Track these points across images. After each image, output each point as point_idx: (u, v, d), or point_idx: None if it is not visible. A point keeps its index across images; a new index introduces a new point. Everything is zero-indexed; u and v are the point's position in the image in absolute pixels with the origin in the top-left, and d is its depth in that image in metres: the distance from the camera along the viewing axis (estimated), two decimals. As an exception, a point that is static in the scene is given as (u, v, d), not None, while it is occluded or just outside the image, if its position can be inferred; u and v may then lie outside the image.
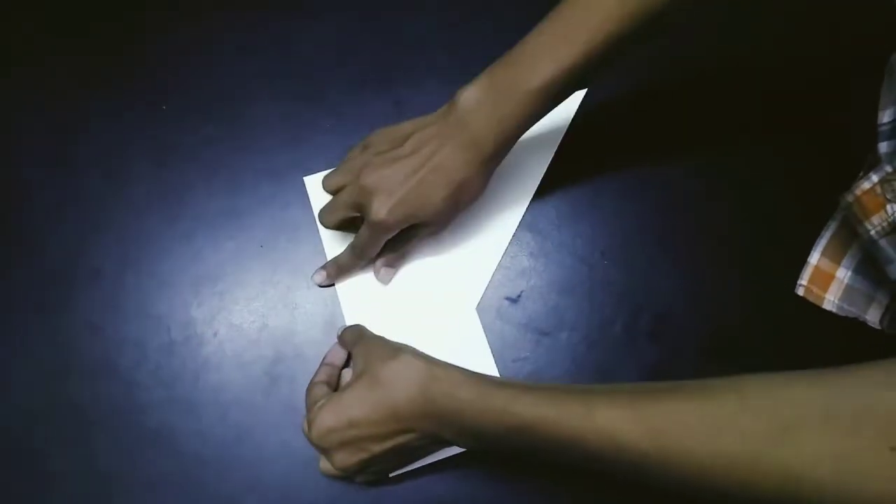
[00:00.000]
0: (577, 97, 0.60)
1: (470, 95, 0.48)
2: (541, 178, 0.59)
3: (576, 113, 0.60)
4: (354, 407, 0.44)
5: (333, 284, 0.57)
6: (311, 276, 0.57)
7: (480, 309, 0.56)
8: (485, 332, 0.55)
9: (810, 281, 0.54)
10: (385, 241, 0.52)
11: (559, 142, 0.59)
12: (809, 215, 0.56)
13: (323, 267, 0.56)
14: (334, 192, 0.54)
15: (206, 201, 0.59)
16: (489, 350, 0.54)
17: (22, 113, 0.63)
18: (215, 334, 0.56)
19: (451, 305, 0.56)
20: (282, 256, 0.58)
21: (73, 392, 0.55)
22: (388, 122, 0.55)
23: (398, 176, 0.49)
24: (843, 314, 0.53)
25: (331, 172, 0.55)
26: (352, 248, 0.54)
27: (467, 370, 0.45)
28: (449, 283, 0.56)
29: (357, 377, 0.46)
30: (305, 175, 0.59)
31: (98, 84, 0.63)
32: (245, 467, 0.53)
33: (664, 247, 0.57)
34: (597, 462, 0.39)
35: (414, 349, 0.47)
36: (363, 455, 0.45)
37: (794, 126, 0.60)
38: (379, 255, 0.55)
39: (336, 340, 0.55)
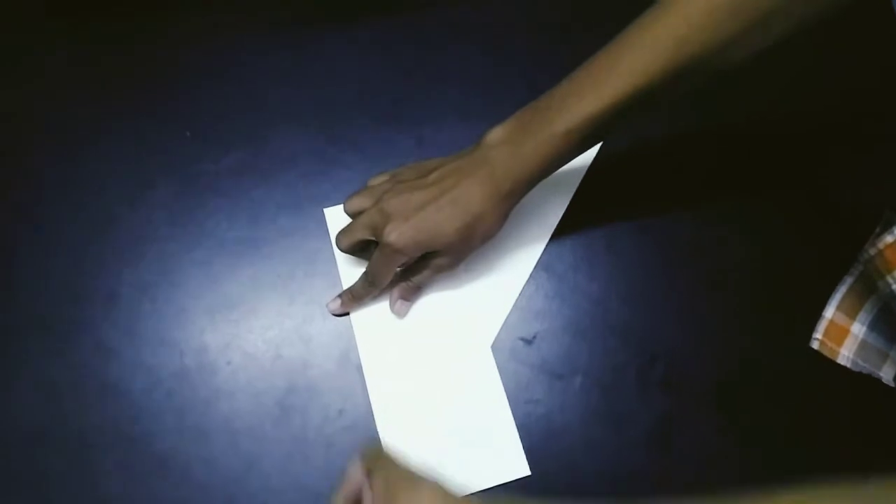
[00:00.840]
0: None
1: (495, 135, 0.50)
2: (559, 220, 0.59)
3: (595, 157, 0.61)
4: None
5: (348, 314, 0.57)
6: (327, 305, 0.57)
7: (495, 348, 0.56)
8: (499, 371, 0.55)
9: (825, 335, 0.54)
10: (396, 267, 0.53)
11: (577, 185, 0.60)
12: (826, 269, 0.56)
13: (339, 295, 0.57)
14: (354, 216, 0.55)
15: (226, 230, 0.60)
16: (503, 390, 0.54)
17: (42, 135, 0.63)
18: (228, 362, 0.56)
19: (465, 343, 0.56)
20: (298, 288, 0.58)
21: (82, 415, 0.54)
22: (409, 159, 0.56)
23: (416, 202, 0.50)
24: (858, 370, 0.53)
25: (353, 195, 0.56)
26: (365, 275, 0.55)
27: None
28: (465, 321, 0.57)
29: None
30: (326, 207, 0.60)
31: (121, 109, 0.64)
32: (252, 498, 0.52)
33: (680, 294, 0.57)
34: None
35: (437, 483, 0.44)
36: None
37: (808, 180, 0.61)
38: (393, 284, 0.55)
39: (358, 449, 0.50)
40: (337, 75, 0.65)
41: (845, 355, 0.53)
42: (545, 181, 0.51)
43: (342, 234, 0.55)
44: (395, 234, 0.50)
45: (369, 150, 0.62)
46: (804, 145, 0.62)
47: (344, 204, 0.56)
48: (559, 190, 0.60)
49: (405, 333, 0.56)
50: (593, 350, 0.56)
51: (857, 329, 0.54)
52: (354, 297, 0.56)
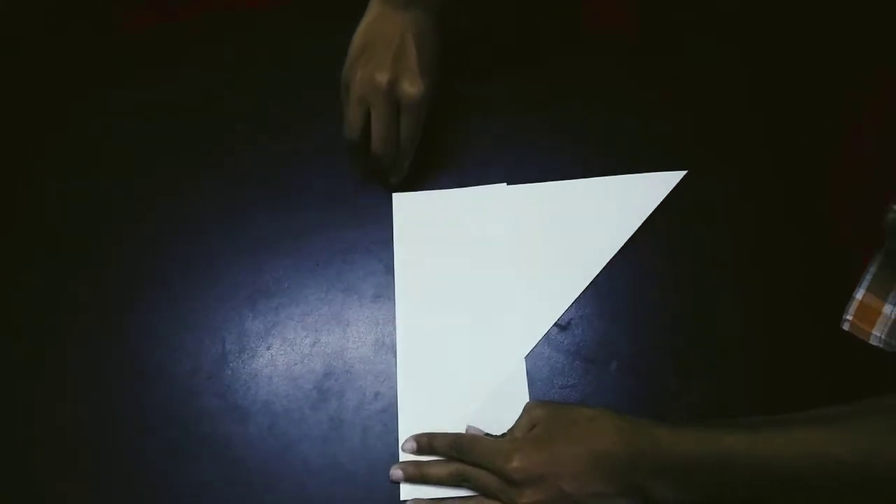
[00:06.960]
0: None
1: None
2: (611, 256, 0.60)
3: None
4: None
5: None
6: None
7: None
8: (533, 357, 0.56)
9: (856, 316, 0.54)
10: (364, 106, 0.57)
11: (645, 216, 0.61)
12: (861, 247, 0.57)
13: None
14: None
15: (268, 220, 0.62)
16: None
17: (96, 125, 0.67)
18: (268, 347, 0.57)
19: (500, 349, 0.57)
20: (336, 275, 0.60)
21: (128, 395, 0.56)
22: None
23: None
24: (891, 350, 0.53)
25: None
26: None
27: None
28: (501, 331, 0.57)
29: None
30: (394, 193, 0.63)
31: (174, 108, 0.69)
32: (290, 477, 0.53)
33: (717, 281, 0.58)
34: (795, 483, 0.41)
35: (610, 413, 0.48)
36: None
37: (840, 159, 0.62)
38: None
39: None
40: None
41: (877, 336, 0.54)
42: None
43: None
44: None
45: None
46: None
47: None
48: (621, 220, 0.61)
49: (444, 325, 0.58)
50: (628, 336, 0.57)
51: (889, 310, 0.54)
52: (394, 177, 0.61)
